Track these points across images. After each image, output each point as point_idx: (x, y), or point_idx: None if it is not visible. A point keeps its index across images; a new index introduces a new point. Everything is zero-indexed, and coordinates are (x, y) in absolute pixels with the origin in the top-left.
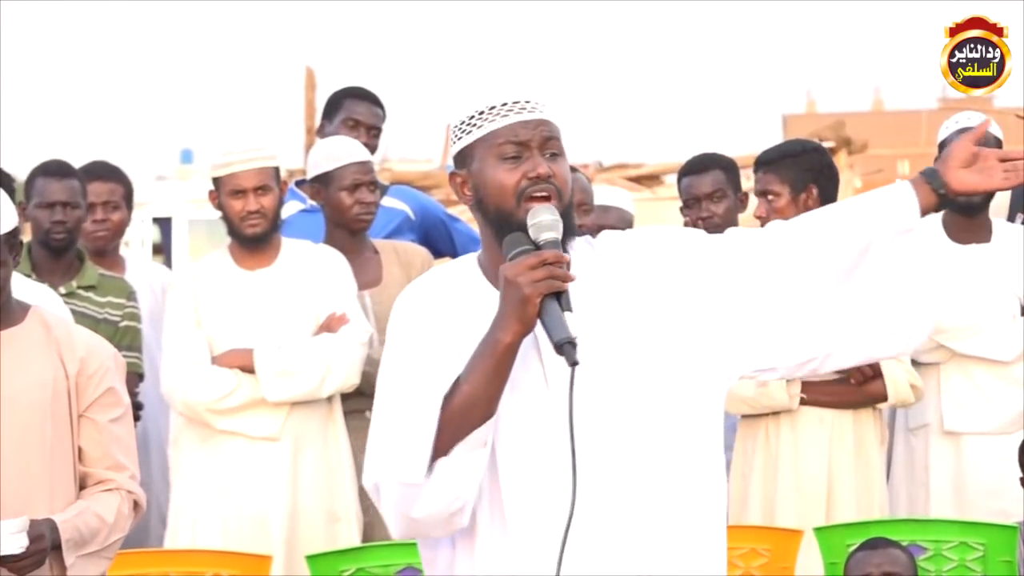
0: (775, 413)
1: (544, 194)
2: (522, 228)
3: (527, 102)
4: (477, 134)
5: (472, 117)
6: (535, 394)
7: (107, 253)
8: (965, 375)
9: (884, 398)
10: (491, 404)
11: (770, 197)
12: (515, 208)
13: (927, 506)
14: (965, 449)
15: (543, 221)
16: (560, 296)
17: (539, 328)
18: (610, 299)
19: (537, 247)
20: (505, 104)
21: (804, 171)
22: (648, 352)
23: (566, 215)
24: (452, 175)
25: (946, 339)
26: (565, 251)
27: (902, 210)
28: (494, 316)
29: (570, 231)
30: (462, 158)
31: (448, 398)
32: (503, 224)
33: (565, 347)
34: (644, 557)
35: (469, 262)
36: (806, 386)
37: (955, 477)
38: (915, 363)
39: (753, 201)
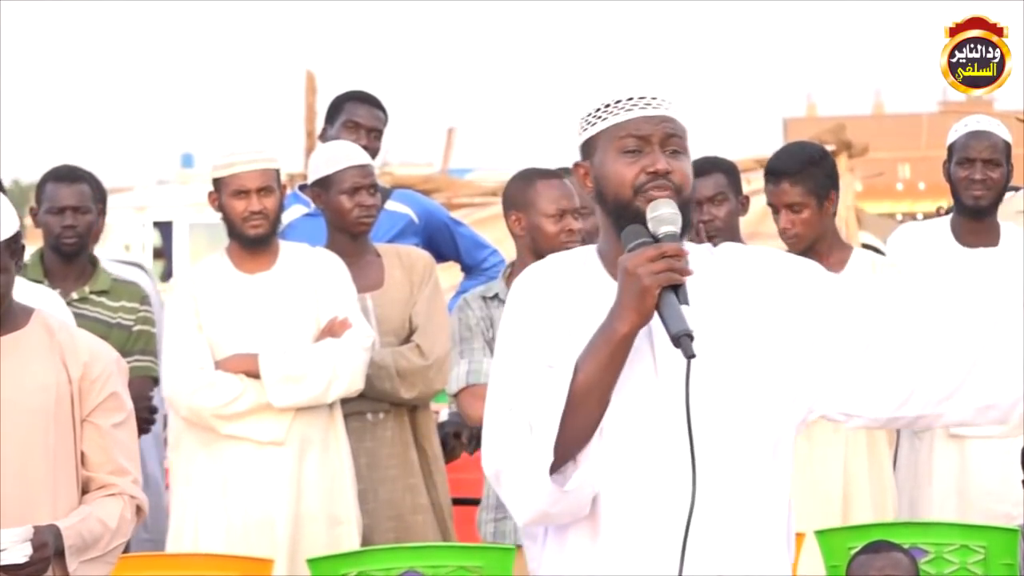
0: None
1: (661, 190)
2: (639, 220)
3: (653, 98)
4: (601, 126)
5: (598, 110)
6: (644, 385)
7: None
8: None
9: None
10: (605, 393)
11: (796, 209)
12: (632, 200)
13: (931, 509)
14: (969, 452)
15: (663, 215)
16: (678, 289)
17: (655, 320)
18: (721, 304)
19: (656, 240)
20: (631, 99)
21: (826, 177)
22: (750, 362)
23: (683, 212)
24: (576, 165)
25: None
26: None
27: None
28: (611, 306)
29: (687, 228)
30: (586, 149)
31: (570, 393)
32: (620, 215)
33: (682, 340)
34: (736, 557)
35: (589, 252)
36: None
37: (959, 480)
38: None
39: (754, 204)
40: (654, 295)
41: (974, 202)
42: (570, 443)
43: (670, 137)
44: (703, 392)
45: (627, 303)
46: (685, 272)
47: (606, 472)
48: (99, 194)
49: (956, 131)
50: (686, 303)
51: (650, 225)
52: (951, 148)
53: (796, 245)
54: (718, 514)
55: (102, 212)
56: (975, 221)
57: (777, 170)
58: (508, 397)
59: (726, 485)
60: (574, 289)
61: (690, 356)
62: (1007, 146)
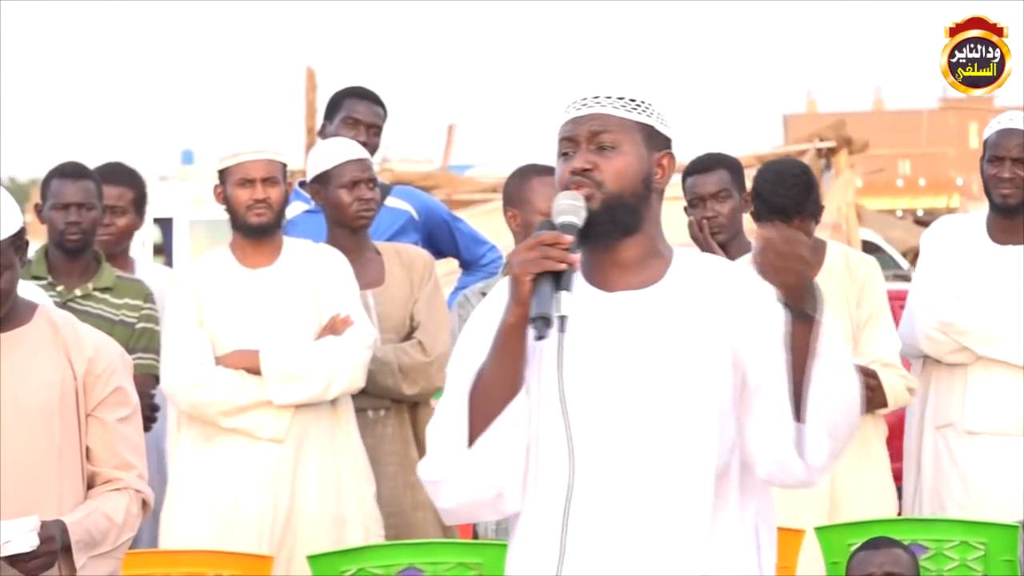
0: None
1: (579, 187)
2: None
3: (595, 98)
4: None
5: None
6: (582, 379)
7: (115, 256)
8: (989, 375)
9: (884, 404)
10: (506, 385)
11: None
12: None
13: (951, 504)
14: (989, 449)
15: (560, 205)
16: (560, 276)
17: (592, 310)
18: (678, 308)
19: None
20: (574, 103)
21: (818, 196)
22: (678, 364)
23: (619, 206)
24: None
25: (967, 341)
26: (602, 236)
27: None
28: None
29: (617, 222)
30: None
31: (473, 384)
32: None
33: (536, 322)
34: (635, 551)
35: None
36: None
37: (979, 476)
38: (938, 362)
39: None
40: (525, 282)
41: (1002, 200)
42: (479, 436)
43: (595, 135)
44: (607, 380)
45: (510, 294)
46: (562, 259)
47: (542, 463)
48: (137, 196)
49: (990, 127)
50: (567, 289)
51: (552, 216)
52: (984, 144)
53: None
54: (605, 508)
55: (138, 214)
56: (1006, 218)
57: (788, 209)
58: (440, 405)
59: (614, 478)
60: None
61: (538, 338)
62: None
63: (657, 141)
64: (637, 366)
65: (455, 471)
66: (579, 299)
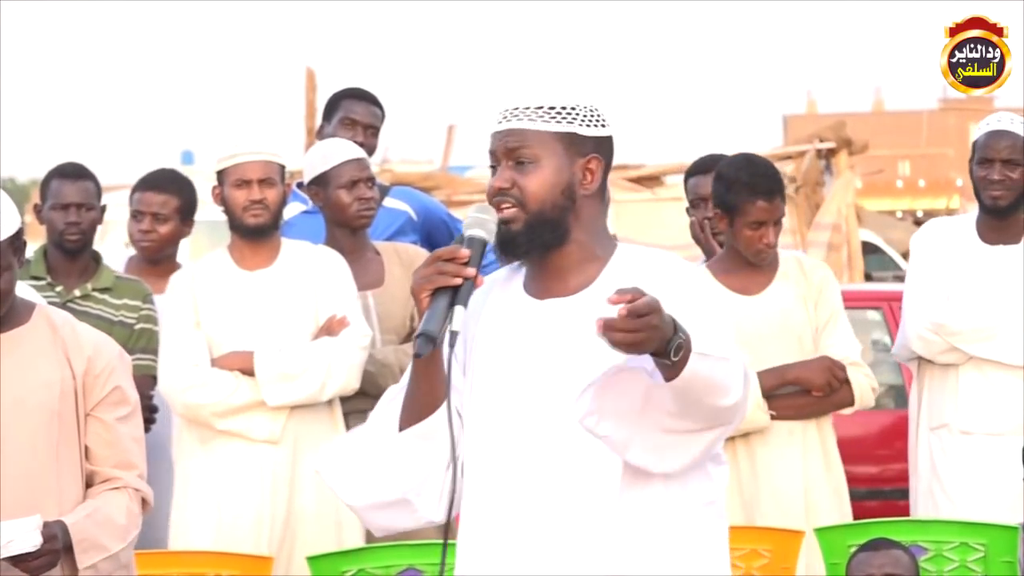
0: (744, 434)
1: (500, 207)
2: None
3: (513, 111)
4: None
5: None
6: (510, 386)
7: (160, 262)
8: (982, 375)
9: (851, 403)
10: (424, 399)
11: (779, 222)
12: None
13: (946, 505)
14: (983, 449)
15: (469, 220)
16: (457, 291)
17: (521, 319)
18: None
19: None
20: (496, 116)
21: (783, 184)
22: (593, 371)
23: (539, 224)
24: None
25: (958, 341)
26: (522, 255)
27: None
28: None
29: (536, 240)
30: None
31: (403, 400)
32: None
33: (417, 339)
34: (540, 556)
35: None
36: (772, 403)
37: (974, 477)
38: (932, 363)
39: None
40: (422, 298)
41: (992, 202)
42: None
43: (512, 151)
44: (534, 395)
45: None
46: (457, 273)
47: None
48: (182, 203)
49: (979, 129)
50: (462, 304)
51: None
52: (973, 146)
53: (769, 257)
54: (509, 512)
55: (184, 221)
56: (996, 219)
57: (771, 189)
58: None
59: (538, 488)
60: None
61: (415, 355)
62: None
63: (582, 146)
64: (552, 374)
65: (344, 466)
66: (513, 308)
